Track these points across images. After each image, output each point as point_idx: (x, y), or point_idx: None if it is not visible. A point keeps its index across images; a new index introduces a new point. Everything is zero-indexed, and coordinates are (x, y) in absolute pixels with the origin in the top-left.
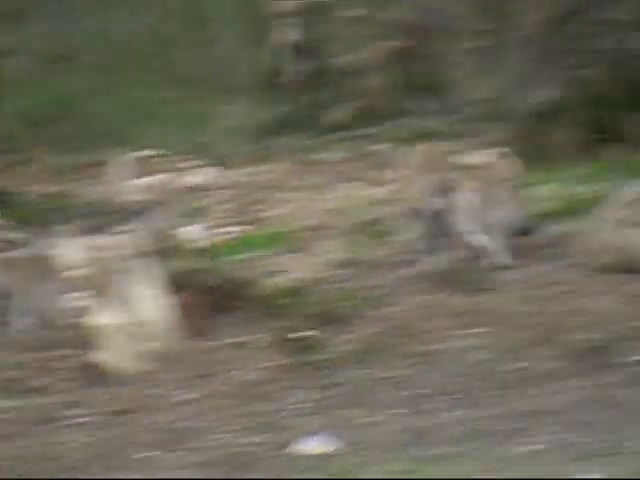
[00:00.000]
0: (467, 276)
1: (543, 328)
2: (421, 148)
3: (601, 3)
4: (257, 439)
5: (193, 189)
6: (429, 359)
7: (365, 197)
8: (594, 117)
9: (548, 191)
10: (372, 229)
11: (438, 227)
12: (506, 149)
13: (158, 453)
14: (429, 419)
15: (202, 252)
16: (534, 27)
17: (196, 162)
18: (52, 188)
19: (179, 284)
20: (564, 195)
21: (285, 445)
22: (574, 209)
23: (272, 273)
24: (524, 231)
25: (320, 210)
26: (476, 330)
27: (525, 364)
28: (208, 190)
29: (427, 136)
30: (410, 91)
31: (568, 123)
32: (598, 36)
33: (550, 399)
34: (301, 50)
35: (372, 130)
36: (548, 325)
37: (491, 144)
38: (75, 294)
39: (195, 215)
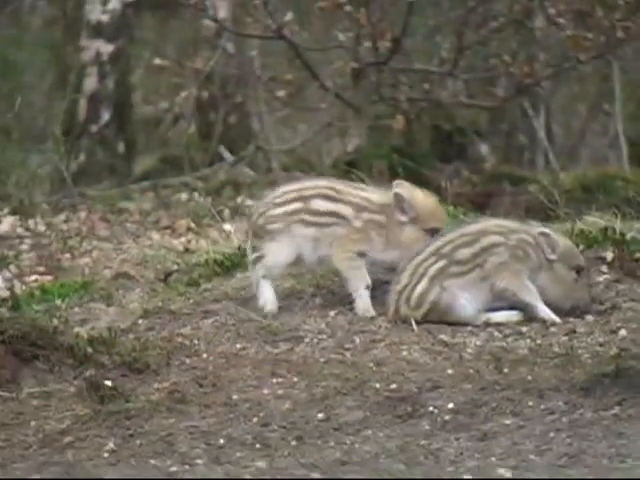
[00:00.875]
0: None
1: (348, 378)
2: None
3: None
4: None
5: None
6: (233, 409)
7: (171, 246)
8: (398, 166)
9: None
10: (177, 278)
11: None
12: None
13: None
14: (230, 470)
15: (2, 302)
16: (339, 77)
17: None
18: None
19: None
20: None
21: None
22: None
23: (76, 322)
24: None
25: (125, 259)
26: (280, 380)
27: (330, 414)
28: (9, 239)
29: (236, 185)
30: (217, 140)
31: (375, 172)
32: (404, 86)
33: (357, 449)
34: (106, 99)
35: (178, 179)
36: (354, 375)
37: None
38: None
39: None
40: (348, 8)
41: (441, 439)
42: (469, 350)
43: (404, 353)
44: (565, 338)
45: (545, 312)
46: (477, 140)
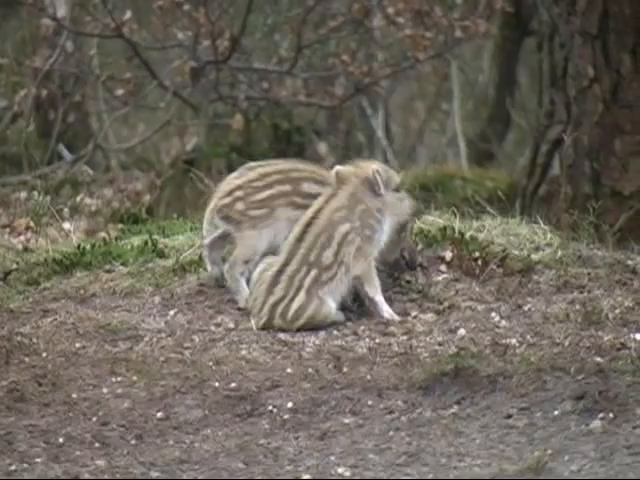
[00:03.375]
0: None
1: (188, 377)
2: None
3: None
4: None
5: None
6: (72, 408)
7: (10, 245)
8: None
9: (185, 240)
10: (16, 277)
11: None
12: None
13: None
14: (69, 468)
15: None
16: (178, 76)
17: None
18: None
19: None
20: (201, 244)
21: None
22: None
23: None
24: None
25: None
26: (120, 378)
27: (170, 413)
28: None
29: (75, 184)
30: (56, 139)
31: (213, 171)
32: (242, 85)
33: (196, 448)
34: None
35: (17, 178)
36: (193, 374)
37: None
38: None
39: None
40: (187, 7)
41: (280, 438)
42: (308, 349)
43: (243, 352)
44: (404, 337)
45: (386, 310)
46: (316, 139)
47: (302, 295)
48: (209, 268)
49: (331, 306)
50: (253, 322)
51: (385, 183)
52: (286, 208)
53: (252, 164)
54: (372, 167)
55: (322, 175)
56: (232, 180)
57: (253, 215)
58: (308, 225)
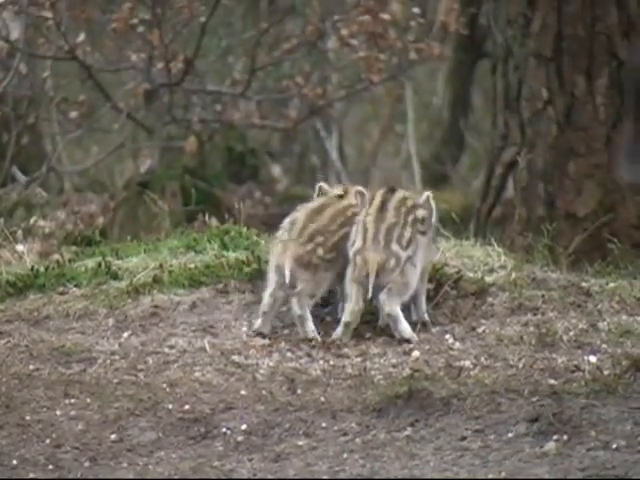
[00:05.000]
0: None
1: (142, 399)
2: None
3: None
4: None
5: None
6: (26, 430)
7: None
8: (191, 187)
9: (139, 262)
10: None
11: None
12: None
13: None
14: None
15: None
16: (132, 98)
17: None
18: None
19: None
20: (155, 266)
21: None
22: (164, 281)
23: None
24: None
25: None
26: (73, 401)
27: (123, 435)
28: None
29: (28, 206)
30: (10, 161)
31: (167, 194)
32: (196, 107)
33: (150, 470)
34: None
35: None
36: (147, 396)
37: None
38: None
39: None
40: (141, 29)
41: (234, 460)
42: (262, 371)
43: (197, 374)
44: (358, 359)
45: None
46: (270, 161)
47: None
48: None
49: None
50: None
51: None
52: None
53: (312, 204)
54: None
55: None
56: (307, 224)
57: (329, 258)
58: None
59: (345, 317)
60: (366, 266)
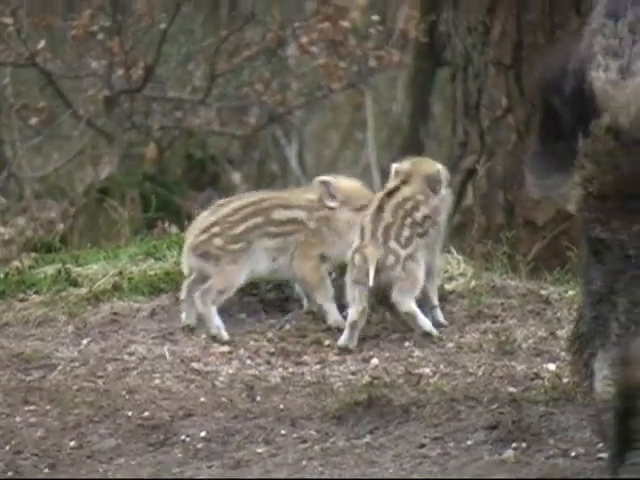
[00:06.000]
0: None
1: (101, 406)
2: None
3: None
4: None
5: None
6: None
7: None
8: (151, 194)
9: (98, 269)
10: None
11: None
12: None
13: None
14: None
15: None
16: (92, 105)
17: None
18: None
19: None
20: (115, 273)
21: None
22: (124, 288)
23: None
24: None
25: None
26: (33, 407)
27: (83, 442)
28: None
29: None
30: None
31: (127, 200)
32: (156, 114)
33: (109, 477)
34: None
35: None
36: (106, 403)
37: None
38: None
39: None
40: (101, 36)
41: (194, 467)
42: (222, 378)
43: (157, 381)
44: (317, 366)
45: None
46: (229, 168)
47: None
48: (184, 316)
49: None
50: None
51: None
52: (262, 239)
53: (221, 201)
54: (436, 166)
55: (288, 199)
56: (206, 217)
57: (232, 249)
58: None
59: (351, 317)
60: (365, 264)
